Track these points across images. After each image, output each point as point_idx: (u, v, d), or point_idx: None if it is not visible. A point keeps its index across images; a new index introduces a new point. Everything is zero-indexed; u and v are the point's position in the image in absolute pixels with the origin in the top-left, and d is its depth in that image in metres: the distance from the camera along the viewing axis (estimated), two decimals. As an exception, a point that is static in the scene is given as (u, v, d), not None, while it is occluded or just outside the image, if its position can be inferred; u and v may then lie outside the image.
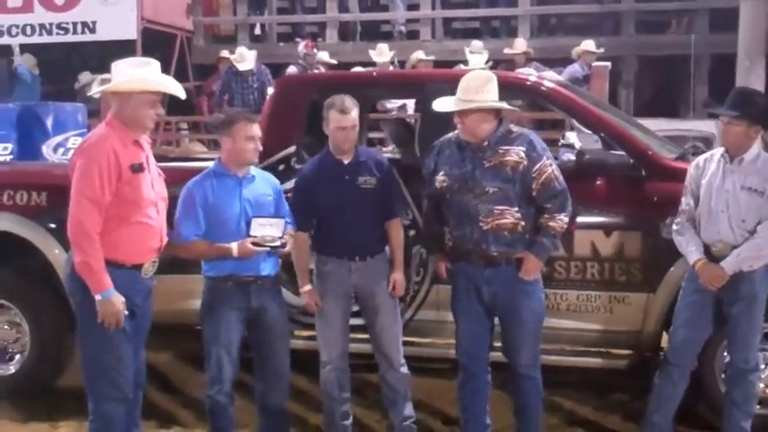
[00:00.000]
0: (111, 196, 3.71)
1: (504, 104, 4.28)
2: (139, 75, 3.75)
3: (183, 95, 3.95)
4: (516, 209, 4.23)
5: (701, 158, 4.52)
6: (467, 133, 4.28)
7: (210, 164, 4.56)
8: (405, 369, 4.58)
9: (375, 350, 4.57)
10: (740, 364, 4.40)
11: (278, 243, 4.24)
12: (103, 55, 11.63)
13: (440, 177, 4.35)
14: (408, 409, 4.62)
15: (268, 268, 4.31)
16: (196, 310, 5.06)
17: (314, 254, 4.47)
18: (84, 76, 11.36)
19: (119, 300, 3.74)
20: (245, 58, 10.41)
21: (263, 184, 4.41)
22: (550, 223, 4.25)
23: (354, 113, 4.44)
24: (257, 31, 14.74)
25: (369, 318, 4.53)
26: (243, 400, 5.27)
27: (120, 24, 12.83)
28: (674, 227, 4.49)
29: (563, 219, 4.26)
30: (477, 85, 4.23)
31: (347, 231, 4.36)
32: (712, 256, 4.34)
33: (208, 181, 4.24)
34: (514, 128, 4.36)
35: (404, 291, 4.66)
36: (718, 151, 4.47)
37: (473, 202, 4.24)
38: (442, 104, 4.34)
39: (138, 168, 3.80)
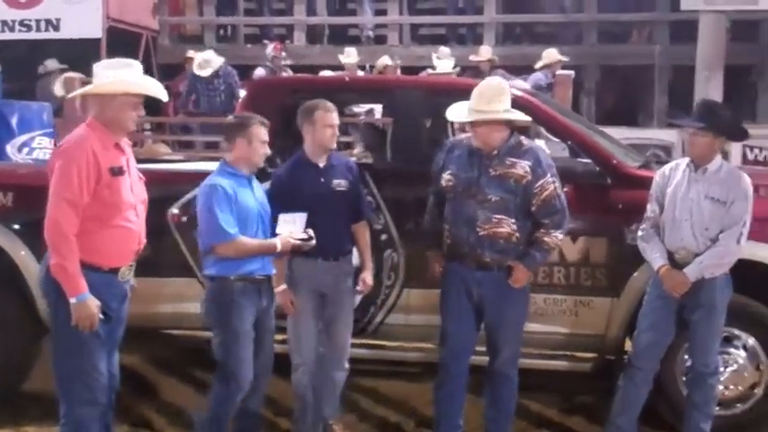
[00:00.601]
0: (90, 198, 3.67)
1: (517, 115, 4.35)
2: (121, 76, 3.72)
3: (165, 97, 3.94)
4: (514, 220, 4.31)
5: (666, 167, 4.61)
6: (479, 141, 4.36)
7: (183, 166, 4.58)
8: (347, 368, 4.72)
9: (326, 348, 4.63)
10: (701, 368, 4.50)
11: (306, 236, 4.32)
12: (67, 53, 11.58)
13: (446, 176, 4.42)
14: (337, 403, 4.78)
15: (270, 268, 4.36)
16: (167, 314, 5.12)
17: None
18: (52, 63, 11.16)
19: (93, 303, 3.69)
20: (208, 65, 10.30)
21: (258, 184, 4.48)
22: (545, 238, 4.35)
23: (337, 114, 4.57)
24: (224, 31, 14.70)
25: (330, 315, 4.59)
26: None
27: (84, 23, 12.73)
28: (639, 233, 4.57)
29: (558, 236, 4.37)
30: (491, 96, 4.29)
31: (321, 232, 4.40)
32: (676, 262, 4.43)
33: (227, 180, 4.23)
34: (525, 140, 4.43)
35: (372, 291, 4.76)
36: (683, 161, 4.57)
37: (474, 207, 4.32)
38: (455, 114, 4.43)
39: (117, 171, 3.76)
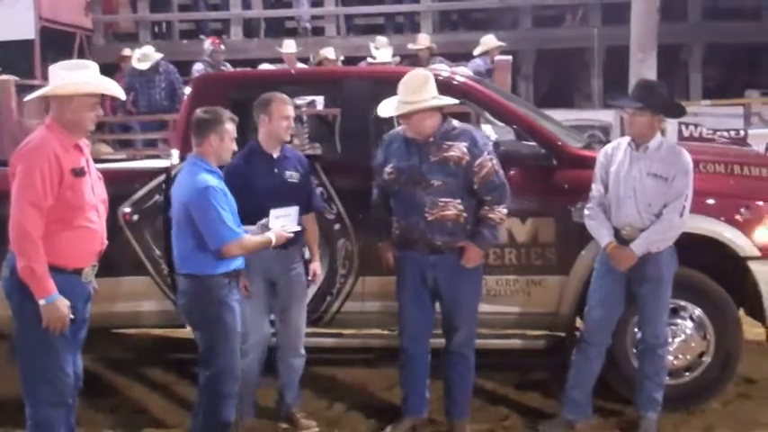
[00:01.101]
0: (53, 200, 3.67)
1: (445, 101, 4.45)
2: (78, 78, 3.73)
3: (123, 96, 3.99)
4: (459, 201, 4.42)
5: (608, 147, 4.71)
6: (412, 131, 4.45)
7: (130, 164, 4.55)
8: (304, 355, 4.81)
9: (282, 335, 4.73)
10: (651, 340, 4.62)
11: (299, 228, 4.43)
12: (1, 56, 11.39)
13: (388, 169, 4.52)
14: (297, 390, 4.89)
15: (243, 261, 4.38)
16: (122, 313, 5.11)
17: None
18: None
19: (63, 304, 3.70)
20: (147, 58, 10.14)
21: None
22: (490, 215, 4.47)
23: (292, 107, 4.66)
24: (159, 28, 14.55)
25: (283, 303, 4.67)
26: (170, 400, 5.37)
27: (17, 24, 12.55)
28: (586, 212, 4.68)
29: (502, 210, 4.49)
30: (417, 85, 4.39)
31: None
32: (622, 239, 4.54)
33: (214, 178, 4.20)
34: (457, 124, 4.53)
35: (328, 281, 4.93)
36: (624, 140, 4.67)
37: (419, 194, 4.43)
38: (385, 109, 4.49)
39: (79, 173, 3.77)
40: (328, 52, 9.60)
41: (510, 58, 9.44)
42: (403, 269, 4.59)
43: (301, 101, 9.32)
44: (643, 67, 9.75)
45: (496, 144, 5.09)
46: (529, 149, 5.13)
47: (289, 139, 4.71)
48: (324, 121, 7.17)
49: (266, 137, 4.65)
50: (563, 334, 5.25)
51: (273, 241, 4.29)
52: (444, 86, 5.30)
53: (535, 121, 5.35)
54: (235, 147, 4.33)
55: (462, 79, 5.50)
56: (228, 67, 10.46)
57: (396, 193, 4.54)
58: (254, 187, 4.50)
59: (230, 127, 4.28)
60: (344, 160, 5.45)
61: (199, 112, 4.29)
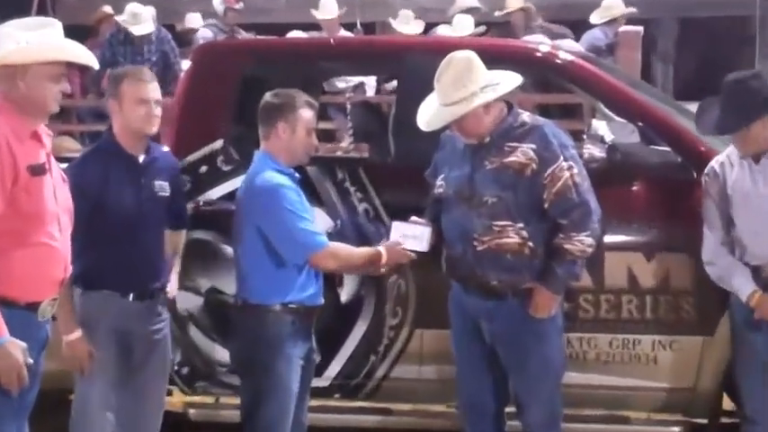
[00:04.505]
0: (4, 206, 3.61)
1: (503, 87, 4.49)
2: (38, 40, 3.70)
3: (96, 65, 4.01)
4: (522, 225, 4.47)
5: (714, 164, 4.79)
6: (466, 136, 4.57)
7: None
8: None
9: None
10: None
11: (425, 248, 4.54)
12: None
13: (438, 182, 4.67)
14: None
15: (320, 297, 4.61)
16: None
17: (74, 287, 4.44)
18: None
19: (17, 348, 3.62)
20: (139, 19, 10.24)
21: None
22: (566, 245, 4.48)
23: (156, 84, 4.63)
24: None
25: (138, 384, 4.65)
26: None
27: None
28: (705, 257, 4.77)
29: (584, 240, 4.48)
30: (455, 78, 4.46)
31: (134, 255, 4.53)
32: (765, 281, 4.63)
33: (286, 179, 4.49)
34: (528, 117, 4.59)
35: (372, 333, 5.13)
36: (732, 151, 4.75)
37: (468, 214, 4.51)
38: (425, 118, 4.62)
39: (38, 170, 3.72)
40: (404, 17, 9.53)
41: (641, 29, 9.48)
42: (452, 317, 4.73)
43: (344, 83, 9.73)
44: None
45: (613, 148, 5.14)
46: (659, 157, 5.17)
47: (153, 131, 4.65)
48: (374, 112, 7.19)
49: (122, 130, 4.60)
50: (704, 420, 5.27)
51: (384, 258, 4.47)
52: (542, 66, 5.67)
53: (671, 118, 5.37)
54: (315, 140, 4.54)
55: (570, 58, 5.53)
56: (244, 35, 10.62)
57: (444, 213, 4.65)
58: (115, 205, 4.50)
59: (306, 114, 4.49)
60: (400, 166, 5.48)
61: (268, 95, 4.51)
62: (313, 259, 4.40)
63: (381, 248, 4.54)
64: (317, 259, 4.41)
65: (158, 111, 4.61)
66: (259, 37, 9.96)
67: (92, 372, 4.45)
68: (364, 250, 4.61)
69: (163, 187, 4.67)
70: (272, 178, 4.43)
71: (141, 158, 4.64)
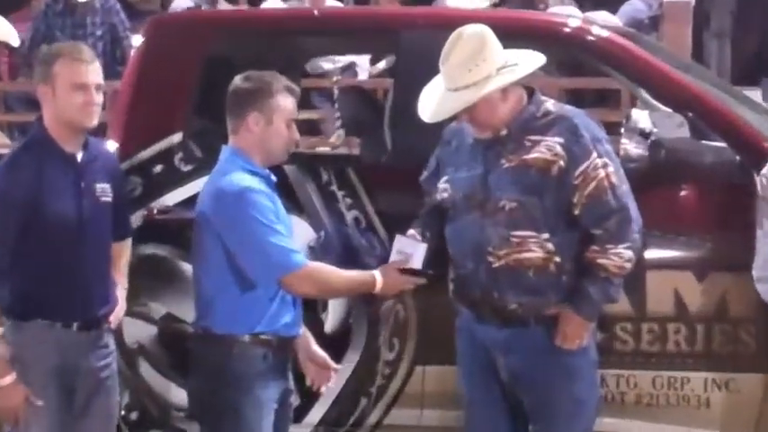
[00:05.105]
0: None
1: (521, 69, 4.29)
2: None
3: (15, 42, 4.00)
4: (546, 235, 4.25)
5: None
6: (477, 129, 4.35)
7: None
8: None
9: None
10: None
11: (418, 267, 4.37)
12: None
13: (442, 185, 4.46)
14: None
15: (300, 326, 4.43)
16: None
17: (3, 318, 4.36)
18: None
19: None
20: None
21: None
22: (600, 260, 4.24)
23: (98, 65, 4.42)
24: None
25: (78, 423, 4.45)
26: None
27: None
28: (756, 272, 4.64)
29: (622, 253, 4.24)
30: (465, 58, 4.24)
31: (77, 275, 4.34)
32: None
33: (256, 181, 4.26)
34: (552, 106, 4.38)
35: (364, 370, 5.04)
36: None
37: (481, 223, 4.30)
38: (428, 109, 4.42)
39: None
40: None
41: (690, 0, 9.40)
42: (460, 350, 4.56)
43: (331, 64, 9.61)
44: None
45: (656, 144, 4.96)
46: (714, 154, 5.04)
47: (92, 123, 4.40)
48: (367, 100, 7.02)
49: (54, 122, 4.35)
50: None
51: (379, 285, 4.27)
52: (571, 43, 5.57)
53: (727, 108, 5.22)
54: (295, 134, 4.33)
55: (605, 34, 5.40)
56: (226, 5, 10.56)
57: (449, 222, 4.47)
58: (47, 213, 4.30)
59: (285, 102, 4.28)
60: (399, 166, 5.33)
61: (237, 79, 4.32)
62: (286, 281, 4.17)
63: (377, 273, 4.30)
64: (291, 282, 4.17)
65: (99, 98, 4.36)
66: (226, 7, 10.01)
67: (27, 422, 4.30)
68: (353, 274, 4.38)
69: (105, 191, 4.45)
70: (240, 181, 4.19)
71: (80, 156, 4.40)
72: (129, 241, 4.73)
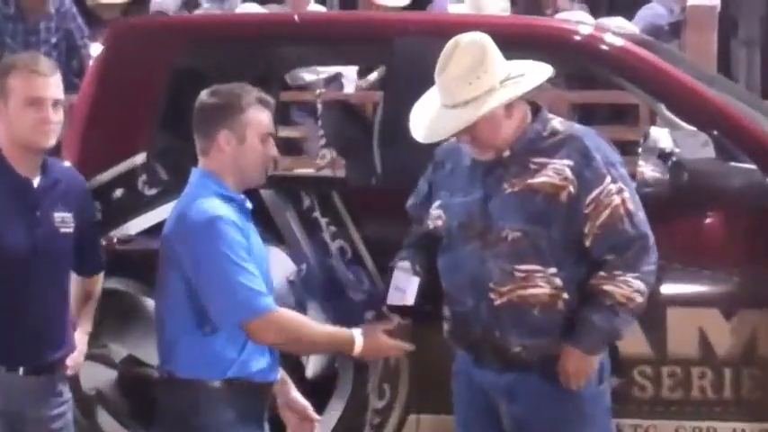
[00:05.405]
0: None
1: (524, 84, 4.18)
2: None
3: None
4: (554, 270, 4.17)
5: None
6: (476, 151, 4.26)
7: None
8: None
9: None
10: None
11: (410, 302, 4.32)
12: None
13: (435, 211, 4.36)
14: None
15: (277, 371, 4.29)
16: None
17: None
18: None
19: None
20: None
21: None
22: (606, 286, 4.13)
23: (58, 78, 4.31)
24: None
25: None
26: None
27: None
28: None
29: (630, 282, 4.13)
30: (464, 70, 4.15)
31: (26, 315, 4.22)
32: None
33: (227, 208, 4.13)
34: (560, 124, 4.28)
35: (350, 416, 5.08)
36: None
37: (481, 256, 4.21)
38: (420, 128, 4.31)
39: None
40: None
41: (717, 3, 9.25)
42: (457, 397, 4.46)
43: (314, 75, 9.46)
44: None
45: (678, 166, 4.93)
46: (742, 177, 4.97)
47: (50, 143, 4.30)
48: (354, 116, 7.15)
49: (7, 142, 4.26)
50: None
51: (358, 347, 4.13)
52: (582, 53, 5.53)
53: (757, 125, 5.20)
54: (273, 150, 4.21)
55: (619, 42, 5.40)
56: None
57: (443, 253, 4.36)
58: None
59: (258, 116, 4.14)
60: (389, 189, 5.28)
61: (204, 94, 4.21)
62: (250, 327, 4.01)
63: (357, 334, 4.12)
64: (254, 328, 4.01)
65: (58, 116, 4.25)
66: (198, 13, 9.99)
67: None
68: (329, 330, 4.27)
69: (65, 221, 4.33)
70: (210, 208, 4.02)
71: (36, 181, 4.29)
72: (99, 277, 4.66)
